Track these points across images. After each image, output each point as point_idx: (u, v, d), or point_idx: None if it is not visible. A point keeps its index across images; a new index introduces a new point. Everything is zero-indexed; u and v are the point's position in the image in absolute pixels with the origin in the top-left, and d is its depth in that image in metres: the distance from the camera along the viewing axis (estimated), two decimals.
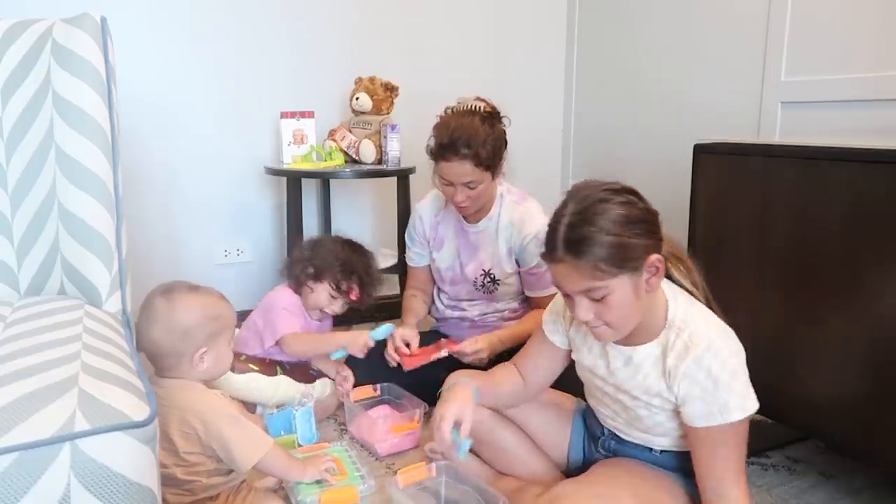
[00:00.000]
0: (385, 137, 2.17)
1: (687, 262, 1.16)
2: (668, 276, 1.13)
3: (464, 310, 1.90)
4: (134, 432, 0.73)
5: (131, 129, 2.09)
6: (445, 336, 1.87)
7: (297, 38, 2.38)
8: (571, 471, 1.34)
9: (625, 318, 1.06)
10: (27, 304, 1.08)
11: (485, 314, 1.88)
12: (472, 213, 1.80)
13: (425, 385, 1.67)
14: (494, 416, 1.38)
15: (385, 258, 2.30)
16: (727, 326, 1.10)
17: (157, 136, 2.24)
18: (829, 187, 1.37)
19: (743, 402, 1.04)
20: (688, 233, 1.69)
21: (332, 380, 1.81)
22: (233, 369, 1.58)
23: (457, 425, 1.18)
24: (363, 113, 2.25)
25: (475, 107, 1.70)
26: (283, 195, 2.24)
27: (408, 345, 1.72)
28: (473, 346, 1.67)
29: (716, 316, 1.11)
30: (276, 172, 2.21)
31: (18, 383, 0.74)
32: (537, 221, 1.75)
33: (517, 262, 1.80)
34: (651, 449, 1.20)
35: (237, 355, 1.66)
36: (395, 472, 1.37)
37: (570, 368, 1.32)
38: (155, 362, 1.25)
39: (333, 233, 2.54)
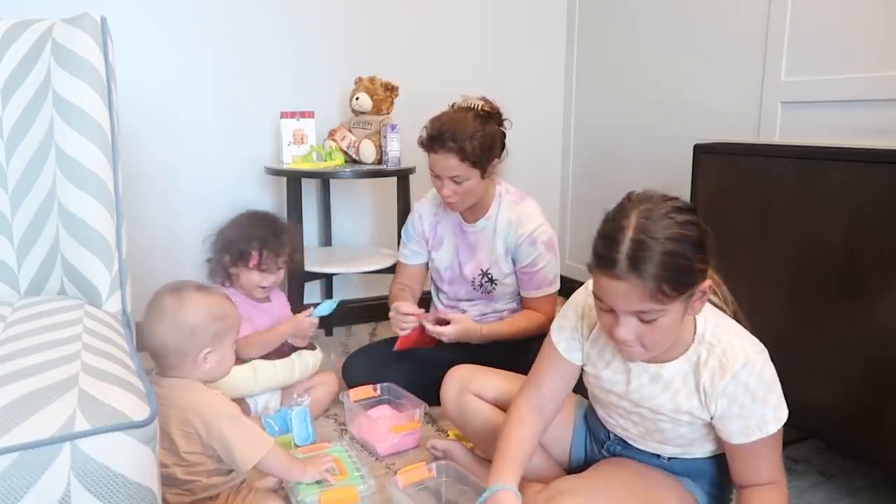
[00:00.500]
0: (385, 137, 2.17)
1: (717, 278, 1.12)
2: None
3: (463, 310, 1.90)
4: (134, 432, 0.73)
5: (131, 129, 2.10)
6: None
7: (297, 38, 2.38)
8: (573, 469, 1.33)
9: (665, 341, 1.02)
10: (27, 304, 1.08)
11: (484, 314, 1.89)
12: (469, 213, 1.81)
13: (426, 385, 1.67)
14: (495, 413, 1.38)
15: (384, 258, 2.30)
16: (752, 336, 1.07)
17: (157, 136, 2.24)
18: (828, 187, 1.37)
19: (777, 413, 1.03)
20: None
21: (305, 349, 1.80)
22: None
23: None
24: (363, 113, 2.25)
25: (474, 104, 1.71)
26: (283, 195, 2.24)
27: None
28: (451, 325, 1.71)
29: (741, 327, 1.09)
30: (276, 172, 2.21)
31: (18, 383, 0.74)
32: (533, 221, 1.76)
33: (513, 261, 1.80)
34: (659, 456, 1.19)
35: None
36: (395, 472, 1.37)
37: None
38: (159, 361, 1.25)
39: (333, 232, 2.55)
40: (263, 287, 1.76)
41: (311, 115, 2.21)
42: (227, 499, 1.28)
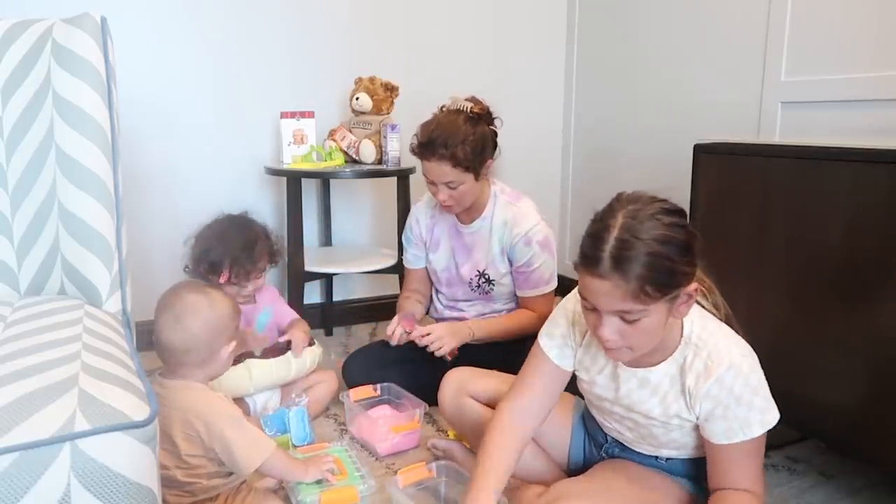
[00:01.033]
0: (385, 137, 2.17)
1: (708, 282, 1.12)
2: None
3: (461, 310, 1.91)
4: (134, 432, 0.73)
5: (131, 129, 2.09)
6: None
7: (296, 38, 2.38)
8: (572, 471, 1.33)
9: (649, 342, 1.02)
10: (27, 304, 1.08)
11: (483, 315, 1.89)
12: (465, 214, 1.81)
13: (425, 385, 1.67)
14: (491, 415, 1.38)
15: (384, 258, 2.30)
16: (741, 339, 1.07)
17: (157, 136, 2.24)
18: (828, 187, 1.37)
19: (763, 417, 1.02)
20: None
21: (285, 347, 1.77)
22: None
23: None
24: (363, 113, 2.25)
25: (463, 106, 1.70)
26: (283, 195, 2.24)
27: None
28: (435, 335, 1.69)
29: (731, 330, 1.09)
30: (276, 172, 2.21)
31: (18, 383, 0.74)
32: (529, 221, 1.76)
33: (509, 260, 1.80)
34: (657, 457, 1.19)
35: None
36: (395, 472, 1.37)
37: None
38: (178, 359, 1.25)
39: (333, 232, 2.55)
40: (244, 296, 1.74)
41: (311, 115, 2.21)
42: (227, 499, 1.28)
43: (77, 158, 1.14)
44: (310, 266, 2.18)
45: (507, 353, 1.75)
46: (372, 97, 2.22)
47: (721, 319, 1.11)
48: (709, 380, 1.02)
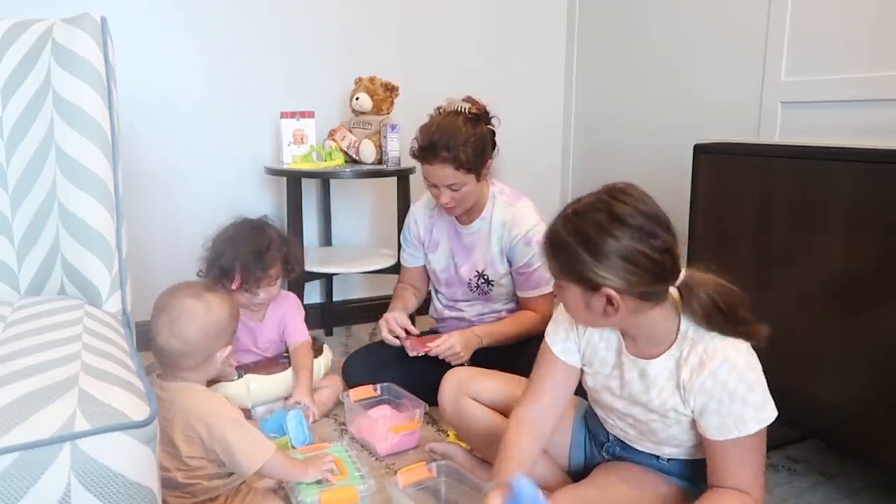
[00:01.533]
0: (385, 137, 2.17)
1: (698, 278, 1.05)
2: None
3: (461, 310, 1.91)
4: (134, 432, 0.73)
5: (131, 129, 2.09)
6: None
7: (297, 38, 2.38)
8: (573, 472, 1.33)
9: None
10: (27, 304, 1.08)
11: (482, 315, 1.88)
12: (464, 215, 1.80)
13: (425, 385, 1.67)
14: (492, 416, 1.38)
15: (384, 258, 2.30)
16: (740, 339, 1.06)
17: (158, 136, 2.24)
18: (828, 187, 1.37)
19: (758, 414, 1.02)
20: (688, 233, 1.69)
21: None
22: None
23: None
24: (363, 113, 2.25)
25: (461, 107, 1.69)
26: (283, 195, 2.24)
27: (407, 333, 1.74)
28: (445, 343, 1.67)
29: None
30: (276, 172, 2.21)
31: (18, 383, 0.74)
32: (528, 222, 1.76)
33: (508, 261, 1.80)
34: (658, 457, 1.19)
35: None
36: (395, 472, 1.37)
37: None
38: (174, 362, 1.25)
39: (333, 232, 2.55)
40: (256, 304, 1.72)
41: (311, 115, 2.21)
42: (227, 499, 1.28)
43: (77, 158, 1.14)
44: (310, 266, 2.18)
45: (507, 353, 1.76)
46: (372, 97, 2.22)
47: (704, 323, 1.05)
48: (703, 373, 1.02)
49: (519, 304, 1.88)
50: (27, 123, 1.17)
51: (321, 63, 2.43)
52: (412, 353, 1.70)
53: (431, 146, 1.63)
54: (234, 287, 1.63)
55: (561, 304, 1.22)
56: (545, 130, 2.92)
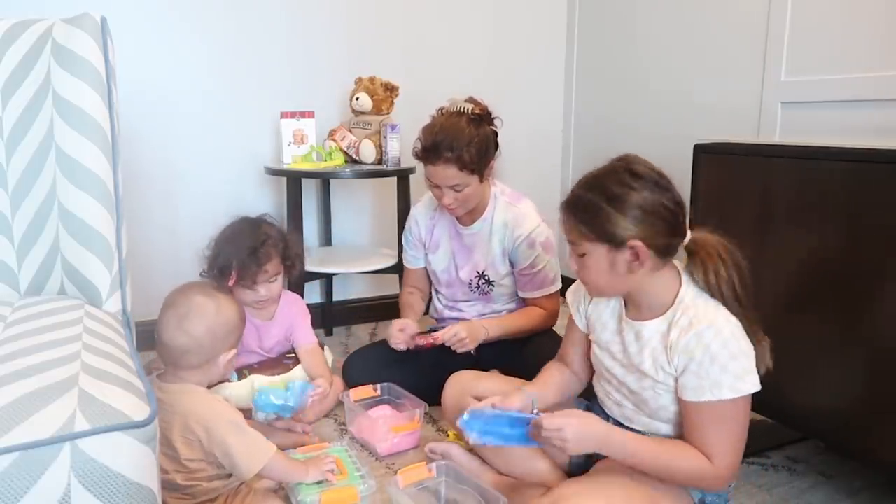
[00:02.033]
0: (385, 137, 2.17)
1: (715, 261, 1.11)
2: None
3: (461, 311, 1.91)
4: (134, 432, 0.73)
5: (131, 129, 2.09)
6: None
7: (297, 38, 2.38)
8: (573, 470, 1.34)
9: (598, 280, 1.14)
10: (27, 304, 1.08)
11: (483, 315, 1.88)
12: (466, 215, 1.80)
13: (425, 385, 1.67)
14: None
15: (385, 258, 2.30)
16: (735, 319, 1.08)
17: (157, 136, 2.24)
18: (828, 187, 1.37)
19: (735, 384, 1.04)
20: None
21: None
22: None
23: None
24: (363, 113, 2.25)
25: (464, 108, 1.69)
26: (283, 195, 2.24)
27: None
28: (451, 330, 1.68)
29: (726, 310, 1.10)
30: (276, 172, 2.21)
31: (18, 383, 0.74)
32: (530, 223, 1.75)
33: (510, 262, 1.80)
34: None
35: None
36: (395, 472, 1.37)
37: None
38: (177, 359, 1.24)
39: (333, 232, 2.55)
40: (259, 301, 1.70)
41: (311, 115, 2.21)
42: (227, 500, 1.28)
43: (77, 158, 1.14)
44: (310, 266, 2.18)
45: (508, 353, 1.76)
46: (372, 97, 2.22)
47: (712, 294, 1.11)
48: (689, 333, 1.06)
49: (520, 305, 1.88)
50: (27, 123, 1.17)
51: (321, 63, 2.43)
52: (420, 342, 1.71)
53: (435, 147, 1.63)
54: (231, 283, 1.62)
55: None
56: (545, 131, 2.92)
